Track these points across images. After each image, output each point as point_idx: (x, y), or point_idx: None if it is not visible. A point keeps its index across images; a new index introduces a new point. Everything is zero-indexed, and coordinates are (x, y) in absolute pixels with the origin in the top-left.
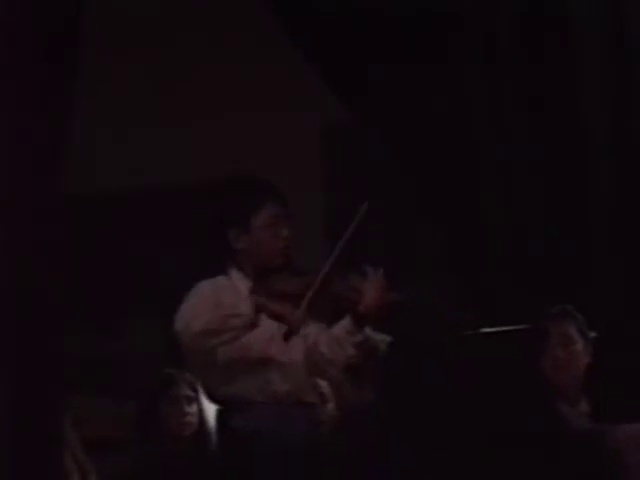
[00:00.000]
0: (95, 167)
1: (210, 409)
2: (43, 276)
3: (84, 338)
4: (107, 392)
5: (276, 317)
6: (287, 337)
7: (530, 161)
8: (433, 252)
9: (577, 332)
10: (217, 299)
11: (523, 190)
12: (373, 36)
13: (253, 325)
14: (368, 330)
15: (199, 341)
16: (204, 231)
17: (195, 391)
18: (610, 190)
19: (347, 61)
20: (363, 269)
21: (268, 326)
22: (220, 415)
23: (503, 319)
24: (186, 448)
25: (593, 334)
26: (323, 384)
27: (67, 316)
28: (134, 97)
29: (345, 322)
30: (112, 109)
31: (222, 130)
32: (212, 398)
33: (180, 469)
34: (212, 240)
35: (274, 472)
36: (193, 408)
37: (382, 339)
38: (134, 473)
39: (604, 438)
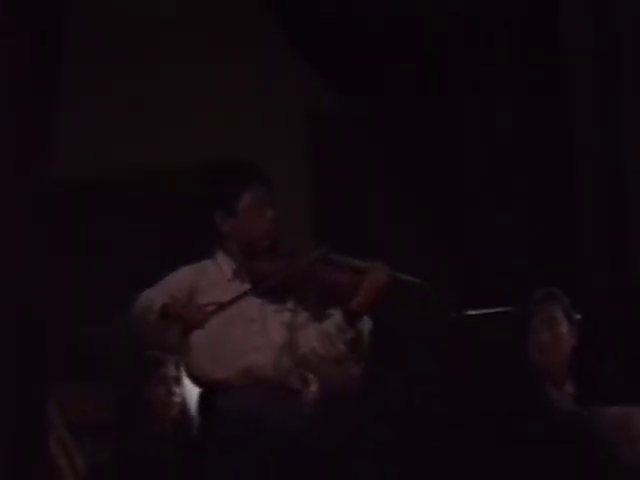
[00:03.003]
0: (82, 153)
1: (193, 391)
2: (26, 262)
3: (68, 323)
4: (91, 376)
5: (181, 322)
6: (186, 332)
7: (516, 150)
8: (418, 236)
9: (562, 314)
10: (192, 282)
11: (509, 176)
12: (359, 27)
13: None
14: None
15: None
16: (191, 214)
17: (180, 372)
18: (595, 172)
19: (334, 49)
20: (360, 264)
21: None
22: (203, 397)
23: (489, 301)
24: (170, 430)
25: (578, 316)
26: None
27: (51, 302)
28: (119, 83)
29: (336, 318)
30: (97, 94)
31: (208, 116)
32: (195, 380)
33: (163, 451)
34: (199, 223)
35: (257, 455)
36: (180, 389)
37: (366, 322)
38: (119, 456)
39: (590, 420)
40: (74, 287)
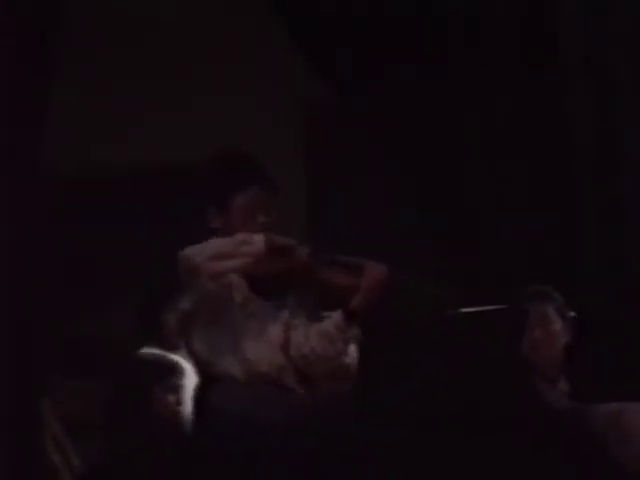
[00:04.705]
0: (76, 147)
1: (189, 389)
2: (23, 258)
3: (65, 320)
4: (85, 374)
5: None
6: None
7: (515, 146)
8: (415, 232)
9: (555, 312)
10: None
11: (507, 174)
12: (359, 27)
13: (262, 259)
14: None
15: (210, 266)
16: (186, 209)
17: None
18: (591, 170)
19: (334, 49)
20: (359, 263)
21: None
22: (198, 393)
23: (482, 299)
24: (168, 430)
25: (572, 314)
26: None
27: (48, 298)
28: (115, 79)
29: (336, 318)
30: (94, 90)
31: (204, 109)
32: (196, 366)
33: (158, 450)
34: (194, 219)
35: (251, 454)
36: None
37: None
38: (114, 455)
39: (584, 417)
40: (69, 286)
